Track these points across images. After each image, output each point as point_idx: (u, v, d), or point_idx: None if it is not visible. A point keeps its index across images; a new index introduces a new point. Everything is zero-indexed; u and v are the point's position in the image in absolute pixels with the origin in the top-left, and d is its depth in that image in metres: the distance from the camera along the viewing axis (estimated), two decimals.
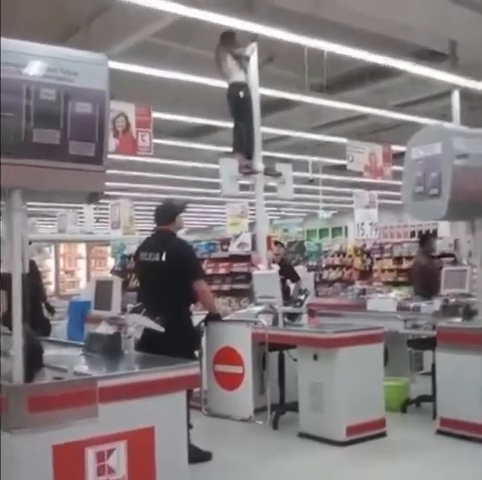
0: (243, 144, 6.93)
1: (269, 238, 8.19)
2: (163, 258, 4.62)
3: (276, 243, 10.03)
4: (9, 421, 2.77)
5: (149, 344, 4.15)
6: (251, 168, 6.91)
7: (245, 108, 6.88)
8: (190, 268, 4.67)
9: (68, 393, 2.89)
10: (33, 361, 2.97)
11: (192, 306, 4.86)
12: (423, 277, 8.95)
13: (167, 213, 4.94)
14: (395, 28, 8.27)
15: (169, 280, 4.56)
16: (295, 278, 9.96)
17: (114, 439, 3.01)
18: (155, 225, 5.02)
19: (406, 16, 7.51)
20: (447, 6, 7.12)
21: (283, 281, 9.02)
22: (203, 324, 4.79)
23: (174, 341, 4.16)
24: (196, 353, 4.67)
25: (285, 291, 8.56)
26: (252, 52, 6.86)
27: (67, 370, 3.03)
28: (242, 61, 6.91)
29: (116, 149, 7.25)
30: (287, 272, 9.57)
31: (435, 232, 14.43)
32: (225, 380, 4.72)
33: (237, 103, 6.90)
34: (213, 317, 4.80)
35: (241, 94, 6.84)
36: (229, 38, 6.92)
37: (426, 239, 9.46)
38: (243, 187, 7.52)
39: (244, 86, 6.87)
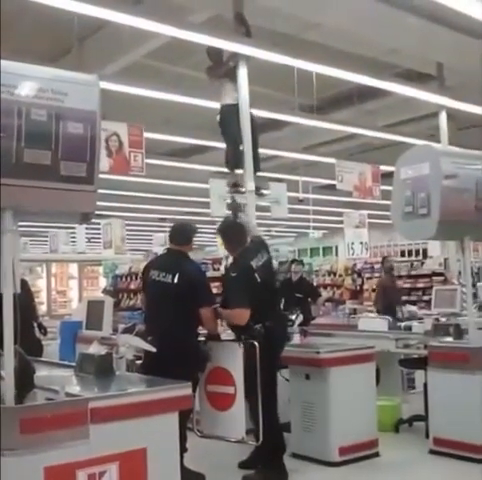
0: (228, 162, 6.97)
1: None
2: (175, 280, 4.56)
3: (294, 261, 10.13)
4: (0, 443, 2.75)
5: (153, 365, 4.14)
6: (239, 187, 6.92)
7: (224, 129, 6.95)
8: (200, 294, 4.62)
9: (59, 414, 2.87)
10: (24, 382, 2.95)
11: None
12: (385, 296, 9.45)
13: (185, 234, 4.90)
14: (382, 50, 8.40)
15: (178, 303, 4.52)
16: (316, 296, 10.00)
17: (106, 461, 2.98)
18: (170, 245, 4.97)
19: (393, 38, 7.62)
20: (433, 29, 7.22)
21: (304, 299, 9.09)
22: (203, 343, 4.78)
23: (178, 362, 4.16)
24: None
25: (307, 311, 8.55)
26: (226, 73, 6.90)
27: (59, 391, 3.01)
28: (224, 85, 6.95)
29: (110, 169, 7.25)
30: (308, 290, 9.61)
31: (425, 251, 14.52)
32: (217, 401, 4.69)
33: (219, 125, 7.00)
34: (212, 338, 4.79)
35: (217, 118, 6.92)
36: (211, 69, 6.99)
37: (383, 260, 9.90)
38: None
39: (221, 109, 6.93)
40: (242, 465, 4.93)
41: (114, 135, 7.34)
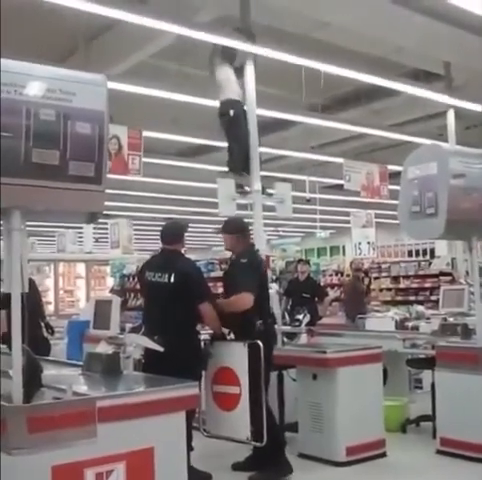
0: (235, 163, 6.92)
1: (267, 258, 8.19)
2: (171, 279, 4.58)
3: (300, 261, 10.16)
4: (8, 442, 2.75)
5: (155, 364, 4.14)
6: (244, 188, 6.89)
7: (236, 126, 6.86)
8: (196, 290, 4.64)
9: (67, 413, 2.87)
10: (32, 381, 2.95)
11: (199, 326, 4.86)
12: (351, 298, 9.46)
13: (176, 233, 4.92)
14: (390, 49, 8.38)
15: (176, 301, 4.53)
16: (322, 296, 10.01)
17: (113, 460, 2.99)
18: (162, 244, 4.98)
19: (400, 37, 7.60)
20: (440, 27, 7.20)
21: (311, 299, 9.10)
22: (208, 343, 4.79)
23: (180, 361, 4.15)
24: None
25: (314, 310, 8.57)
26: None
27: (66, 390, 3.01)
28: (230, 78, 6.88)
29: (108, 171, 7.26)
30: (315, 290, 9.61)
31: (432, 251, 14.49)
32: (222, 401, 4.69)
33: (229, 121, 6.88)
34: (217, 337, 4.79)
35: (232, 112, 6.81)
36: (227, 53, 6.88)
37: (351, 262, 9.97)
38: (241, 207, 7.52)
39: (232, 105, 6.84)
40: (236, 467, 4.94)
41: (114, 138, 7.36)
